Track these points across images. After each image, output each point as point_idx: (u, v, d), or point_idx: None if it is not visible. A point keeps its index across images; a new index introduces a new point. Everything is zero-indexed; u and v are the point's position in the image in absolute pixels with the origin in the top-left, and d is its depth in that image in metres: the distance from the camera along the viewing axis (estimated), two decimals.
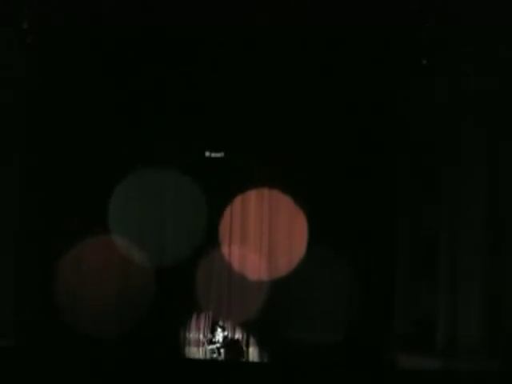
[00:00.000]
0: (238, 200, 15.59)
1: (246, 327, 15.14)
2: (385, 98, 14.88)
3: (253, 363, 14.46)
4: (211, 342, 15.01)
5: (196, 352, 14.91)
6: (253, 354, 15.03)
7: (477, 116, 13.80)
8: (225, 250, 15.48)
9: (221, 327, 15.11)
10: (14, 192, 14.62)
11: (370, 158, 15.05)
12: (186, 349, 14.56)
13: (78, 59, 14.72)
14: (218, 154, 15.72)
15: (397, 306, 14.78)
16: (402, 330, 14.57)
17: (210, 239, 15.29)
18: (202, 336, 15.13)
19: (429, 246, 14.35)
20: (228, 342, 14.90)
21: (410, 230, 14.78)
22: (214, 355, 14.76)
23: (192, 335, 15.12)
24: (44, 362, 9.17)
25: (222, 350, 14.84)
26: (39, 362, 9.14)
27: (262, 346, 15.09)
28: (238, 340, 15.02)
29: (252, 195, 15.61)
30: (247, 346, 15.06)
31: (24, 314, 14.42)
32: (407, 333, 14.43)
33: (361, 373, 9.71)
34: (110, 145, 15.18)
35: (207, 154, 15.72)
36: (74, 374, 8.83)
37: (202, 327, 15.02)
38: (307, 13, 13.78)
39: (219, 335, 15.06)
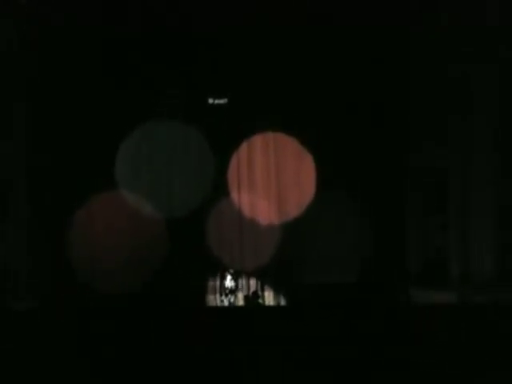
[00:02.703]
0: (244, 146, 15.54)
1: (259, 273, 15.21)
2: (394, 38, 14.76)
3: (267, 307, 14.54)
4: (225, 290, 15.09)
5: (211, 300, 14.99)
6: (267, 298, 15.12)
7: (486, 56, 13.75)
8: (234, 197, 15.47)
9: (233, 274, 15.17)
10: (23, 149, 14.69)
11: (379, 97, 14.98)
12: (201, 297, 14.63)
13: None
14: (222, 101, 15.62)
15: (409, 243, 14.83)
16: (415, 266, 14.63)
17: (219, 187, 15.28)
18: (215, 284, 15.21)
19: (439, 182, 14.33)
20: (243, 289, 14.97)
21: (420, 167, 14.75)
22: (228, 302, 14.84)
23: (206, 283, 15.17)
24: (59, 323, 9.20)
25: (235, 297, 14.91)
26: (55, 324, 9.17)
27: (275, 291, 15.17)
28: (253, 287, 15.11)
29: (258, 140, 15.56)
30: (262, 291, 15.15)
31: (38, 276, 14.54)
32: (420, 269, 14.47)
33: (375, 310, 9.71)
34: (115, 98, 15.12)
35: (211, 101, 15.63)
36: (90, 333, 8.88)
37: (215, 275, 15.07)
38: None
39: (232, 282, 15.13)
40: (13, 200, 14.66)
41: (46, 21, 14.43)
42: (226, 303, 14.91)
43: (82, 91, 14.99)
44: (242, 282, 15.20)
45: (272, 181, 15.62)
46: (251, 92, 15.32)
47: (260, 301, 14.83)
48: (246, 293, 15.03)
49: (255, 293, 14.89)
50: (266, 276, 15.28)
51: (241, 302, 14.91)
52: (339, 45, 14.80)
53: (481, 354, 8.63)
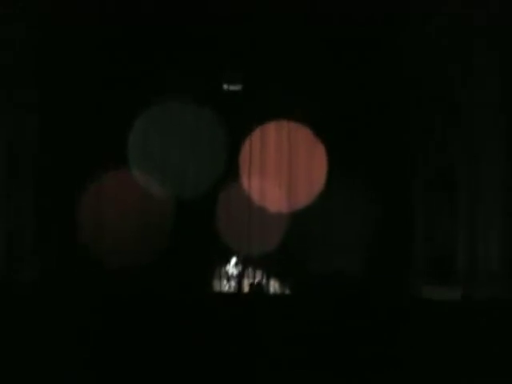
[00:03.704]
0: (256, 132, 15.52)
1: (267, 260, 15.22)
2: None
3: (274, 295, 14.56)
4: (228, 276, 15.10)
5: (215, 285, 15.02)
6: (274, 286, 15.13)
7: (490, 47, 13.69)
8: (245, 182, 15.47)
9: (237, 261, 15.16)
10: (32, 128, 14.68)
11: (388, 91, 14.92)
12: (207, 282, 14.64)
13: None
14: (236, 87, 15.60)
15: (417, 237, 14.79)
16: (421, 261, 14.60)
17: (230, 172, 15.27)
18: (220, 269, 15.22)
19: (447, 177, 14.30)
20: (248, 276, 14.97)
21: (428, 163, 14.71)
22: (232, 288, 14.85)
23: (212, 269, 15.18)
24: (64, 297, 9.24)
25: (238, 284, 14.90)
26: (59, 298, 9.21)
27: (283, 279, 15.18)
28: (257, 275, 15.11)
29: (271, 127, 15.54)
30: (267, 278, 15.16)
31: (44, 250, 14.58)
32: (427, 263, 14.46)
33: (381, 303, 9.72)
34: (128, 79, 15.11)
35: (225, 86, 15.60)
36: (94, 309, 8.90)
37: (220, 261, 15.06)
38: None
39: (236, 269, 15.12)
40: (20, 175, 14.67)
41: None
42: (228, 289, 14.89)
43: (93, 72, 14.97)
44: (248, 268, 15.19)
45: (283, 168, 15.60)
46: (265, 78, 15.29)
47: (263, 289, 14.83)
48: (250, 280, 15.02)
49: (257, 281, 14.88)
50: (272, 264, 15.29)
51: (245, 288, 14.91)
52: (354, 39, 14.75)
53: (485, 351, 8.64)
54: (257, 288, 14.53)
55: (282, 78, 15.15)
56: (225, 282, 15.07)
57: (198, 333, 8.71)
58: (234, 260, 15.14)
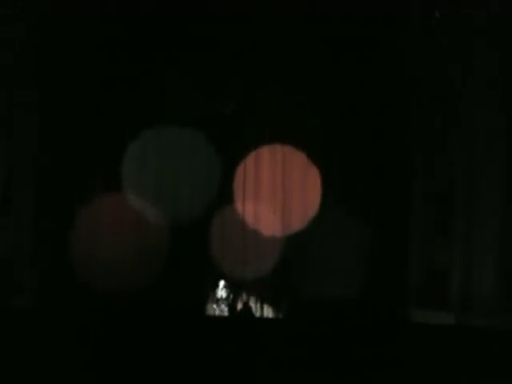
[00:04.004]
0: (251, 156, 15.54)
1: (259, 284, 15.19)
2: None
3: (267, 319, 14.52)
4: (221, 299, 15.03)
5: (210, 309, 14.97)
6: (267, 310, 15.09)
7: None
8: (239, 206, 15.47)
9: (230, 284, 15.08)
10: (32, 148, 14.74)
11: (382, 115, 14.96)
12: (200, 306, 14.57)
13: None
14: (230, 109, 15.62)
15: (410, 262, 14.78)
16: (415, 285, 14.57)
17: (224, 196, 15.28)
18: (213, 293, 15.17)
19: (443, 200, 14.30)
20: (237, 300, 14.90)
21: (423, 184, 14.72)
22: (223, 312, 14.79)
23: (205, 292, 15.11)
24: (60, 321, 9.24)
25: (229, 307, 14.83)
26: (55, 322, 9.21)
27: (275, 303, 15.14)
28: (245, 298, 15.05)
29: (265, 151, 15.56)
30: (261, 302, 15.11)
31: (40, 274, 14.57)
32: (421, 288, 14.43)
33: (374, 328, 9.71)
34: (123, 103, 15.13)
35: (219, 108, 15.63)
36: (89, 333, 8.90)
37: (214, 284, 14.98)
38: None
39: (228, 292, 15.05)
40: (17, 196, 14.69)
41: (52, 19, 14.37)
42: (221, 312, 14.82)
43: (90, 92, 15.01)
44: (241, 292, 15.13)
45: (277, 192, 15.61)
46: (259, 101, 15.34)
47: (252, 312, 14.77)
48: (242, 303, 14.96)
49: (247, 304, 14.81)
50: (265, 287, 15.27)
51: (236, 312, 14.83)
52: (348, 53, 14.80)
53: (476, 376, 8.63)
54: (246, 311, 14.46)
55: (275, 102, 15.22)
56: (217, 305, 15.01)
57: (192, 354, 8.71)
58: (224, 283, 15.06)
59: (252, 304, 14.94)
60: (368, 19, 14.21)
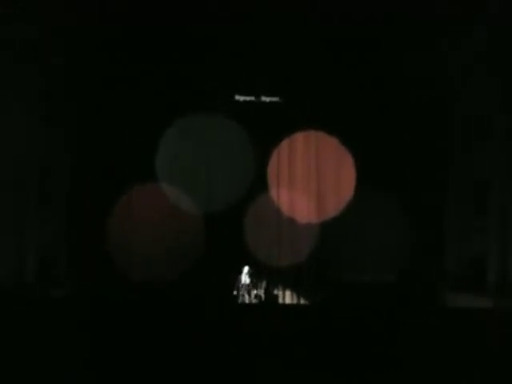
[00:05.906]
0: (284, 144, 15.57)
1: (295, 270, 15.24)
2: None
3: (304, 305, 14.57)
4: (246, 286, 14.98)
5: (246, 297, 15.02)
6: (304, 295, 15.12)
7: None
8: (273, 193, 15.51)
9: (258, 271, 15.02)
10: (64, 142, 14.90)
11: (422, 103, 14.96)
12: (236, 293, 14.63)
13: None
14: (269, 99, 15.67)
15: (448, 246, 14.74)
16: (453, 269, 14.54)
17: (258, 184, 15.33)
18: (247, 280, 15.18)
19: (480, 185, 14.27)
20: (270, 287, 14.88)
21: (461, 169, 14.68)
22: (259, 299, 14.80)
23: (240, 279, 15.14)
24: (98, 310, 9.34)
25: (262, 293, 14.82)
26: (93, 311, 9.31)
27: (312, 288, 15.18)
28: (280, 285, 15.08)
29: (299, 138, 15.59)
30: (296, 289, 15.15)
31: (78, 265, 14.76)
32: (459, 272, 14.40)
33: (412, 312, 9.73)
34: (156, 95, 15.26)
35: (253, 98, 15.68)
36: (126, 321, 9.00)
37: (248, 272, 15.00)
38: None
39: (262, 279, 15.02)
40: (54, 189, 14.85)
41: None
42: (249, 300, 14.81)
43: (123, 86, 15.16)
44: (274, 279, 15.11)
45: (311, 178, 15.63)
46: (295, 91, 15.38)
47: (279, 299, 14.79)
48: (272, 290, 14.94)
49: (273, 290, 14.82)
50: (302, 273, 15.32)
51: (260, 298, 14.83)
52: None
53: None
54: (271, 298, 14.45)
55: (310, 90, 15.26)
56: (247, 293, 15.01)
57: (222, 341, 8.77)
58: (253, 271, 14.98)
59: (288, 291, 14.97)
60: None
